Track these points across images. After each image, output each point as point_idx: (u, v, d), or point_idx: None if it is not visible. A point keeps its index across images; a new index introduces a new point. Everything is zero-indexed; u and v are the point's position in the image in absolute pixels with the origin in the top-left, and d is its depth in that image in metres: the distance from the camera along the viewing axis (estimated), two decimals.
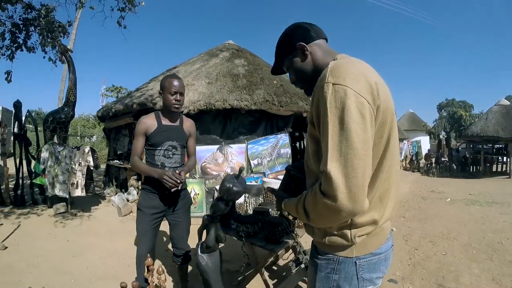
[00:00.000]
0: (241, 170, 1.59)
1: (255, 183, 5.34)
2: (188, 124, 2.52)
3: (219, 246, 1.84)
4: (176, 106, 2.31)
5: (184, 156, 2.51)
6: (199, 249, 1.74)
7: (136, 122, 2.36)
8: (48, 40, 5.94)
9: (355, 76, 0.96)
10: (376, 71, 1.12)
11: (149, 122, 2.32)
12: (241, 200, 3.61)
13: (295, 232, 2.44)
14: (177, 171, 2.23)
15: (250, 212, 3.32)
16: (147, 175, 2.29)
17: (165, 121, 2.37)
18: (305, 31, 1.20)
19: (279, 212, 1.33)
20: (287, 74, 1.33)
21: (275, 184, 2.93)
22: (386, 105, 1.02)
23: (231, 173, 5.48)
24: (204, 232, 1.79)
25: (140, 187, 6.47)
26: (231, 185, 1.50)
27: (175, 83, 2.28)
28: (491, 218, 5.41)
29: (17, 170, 5.92)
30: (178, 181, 2.15)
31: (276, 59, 1.31)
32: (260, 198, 2.72)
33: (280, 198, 1.28)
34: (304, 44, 1.17)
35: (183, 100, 2.37)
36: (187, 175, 5.45)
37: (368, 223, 1.08)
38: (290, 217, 1.26)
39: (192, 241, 2.36)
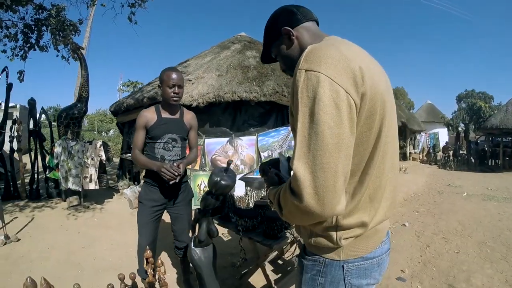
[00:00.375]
0: (229, 163, 1.56)
1: (258, 176, 5.31)
2: (189, 117, 2.51)
3: (222, 241, 1.82)
4: (175, 99, 2.30)
5: (185, 149, 2.50)
6: (192, 243, 1.73)
7: None
8: (60, 39, 6.05)
9: (333, 60, 0.85)
10: (368, 53, 1.01)
11: (149, 115, 2.32)
12: (242, 193, 3.59)
13: (294, 228, 2.40)
14: (175, 164, 2.22)
15: (252, 205, 3.29)
16: (146, 168, 2.31)
17: (165, 114, 2.37)
18: (290, 14, 1.11)
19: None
20: None
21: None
22: (375, 91, 0.90)
23: (245, 170, 5.46)
24: (197, 226, 1.78)
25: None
26: (218, 179, 1.48)
27: (173, 76, 2.27)
28: (508, 215, 5.23)
29: (33, 165, 6.08)
30: (176, 173, 2.13)
31: (264, 46, 1.22)
32: (262, 191, 2.68)
33: (271, 182, 1.17)
34: (290, 29, 1.08)
35: (182, 92, 2.37)
36: (197, 167, 5.50)
37: (355, 225, 0.99)
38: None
39: None
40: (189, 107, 5.54)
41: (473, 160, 13.35)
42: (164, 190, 2.34)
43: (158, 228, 2.48)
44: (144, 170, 2.41)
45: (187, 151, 2.58)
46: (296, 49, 1.09)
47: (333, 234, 0.99)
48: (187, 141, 2.53)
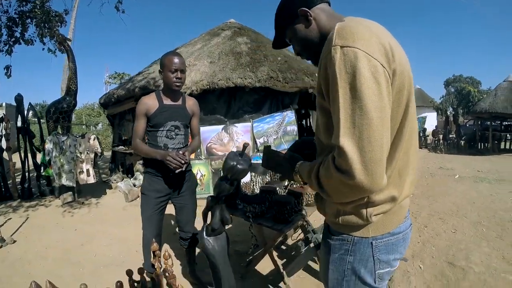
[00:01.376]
0: (245, 146, 1.50)
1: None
2: (191, 103, 2.43)
3: (226, 228, 1.79)
4: (177, 84, 2.21)
5: (187, 137, 2.44)
6: (204, 232, 1.69)
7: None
8: (46, 30, 5.87)
9: (366, 36, 0.86)
10: (390, 32, 1.01)
11: (150, 102, 2.23)
12: (247, 179, 3.52)
13: (304, 211, 2.39)
14: (180, 152, 2.16)
15: (257, 191, 3.26)
16: (150, 157, 2.21)
17: (167, 101, 2.28)
18: None
19: (282, 176, 1.23)
20: (290, 48, 1.23)
21: None
22: (403, 68, 0.92)
23: (235, 150, 5.43)
24: (209, 214, 1.74)
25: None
26: (235, 163, 1.43)
27: (175, 60, 2.17)
28: (501, 196, 5.32)
29: (23, 163, 5.95)
30: (182, 161, 2.07)
31: (277, 31, 1.20)
32: (267, 176, 2.66)
33: (294, 159, 1.16)
34: (307, 9, 1.06)
35: (185, 77, 2.27)
36: (192, 156, 5.46)
37: (386, 201, 0.99)
38: (300, 182, 1.13)
39: (199, 224, 2.33)
40: None
41: (462, 143, 13.56)
42: (168, 179, 2.28)
43: (163, 220, 2.44)
44: (141, 161, 2.33)
45: (190, 139, 2.52)
46: (315, 30, 1.08)
47: (363, 211, 0.99)
48: (189, 129, 2.47)
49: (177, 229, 2.60)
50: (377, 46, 0.86)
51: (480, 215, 4.35)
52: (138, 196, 5.57)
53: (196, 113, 2.46)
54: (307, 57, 1.18)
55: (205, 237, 1.68)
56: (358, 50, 0.83)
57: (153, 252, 1.72)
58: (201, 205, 2.48)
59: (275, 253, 2.63)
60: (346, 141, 0.81)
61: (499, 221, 4.08)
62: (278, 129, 5.93)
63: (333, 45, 0.86)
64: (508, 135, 13.60)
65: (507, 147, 13.42)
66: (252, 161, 1.60)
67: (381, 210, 1.00)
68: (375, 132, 0.80)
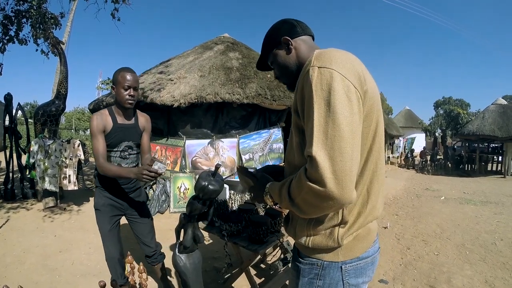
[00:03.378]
0: (217, 167, 1.50)
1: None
2: (143, 120, 2.33)
3: (204, 244, 1.76)
4: (130, 102, 2.12)
5: (139, 155, 2.37)
6: (176, 249, 1.67)
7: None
8: (40, 32, 5.85)
9: (341, 60, 0.94)
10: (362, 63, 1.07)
11: (105, 120, 2.12)
12: (226, 196, 3.49)
13: (280, 232, 2.37)
14: (150, 159, 1.97)
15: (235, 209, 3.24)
16: (121, 177, 2.10)
17: (120, 119, 2.19)
18: (291, 26, 1.20)
19: (253, 196, 1.24)
20: None
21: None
22: (373, 93, 1.00)
23: (207, 169, 5.42)
24: (182, 231, 1.71)
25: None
26: (206, 183, 1.42)
27: (128, 77, 2.09)
28: (485, 218, 5.39)
29: (7, 163, 5.85)
30: (159, 172, 1.92)
31: (262, 54, 1.29)
32: (246, 195, 2.64)
33: (264, 179, 1.19)
34: (289, 38, 1.16)
35: (138, 95, 2.19)
36: (177, 168, 5.40)
37: (356, 220, 1.04)
38: (271, 203, 1.15)
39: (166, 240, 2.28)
40: (170, 108, 5.45)
41: (450, 164, 13.74)
42: (119, 195, 2.24)
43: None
44: (97, 177, 2.25)
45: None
46: (293, 58, 1.18)
47: (336, 231, 1.03)
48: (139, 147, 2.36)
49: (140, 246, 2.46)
50: (351, 70, 0.94)
51: (464, 237, 4.38)
52: None
53: (147, 129, 2.35)
54: (284, 81, 1.26)
55: (178, 254, 1.65)
56: (334, 71, 0.91)
57: (129, 265, 1.69)
58: None
59: (253, 271, 2.60)
60: (318, 151, 0.85)
61: (482, 243, 4.13)
62: (264, 146, 5.94)
63: (312, 65, 0.94)
64: (495, 157, 13.85)
65: (494, 169, 13.65)
66: (234, 179, 1.59)
67: (350, 232, 1.04)
68: (346, 144, 0.85)
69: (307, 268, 1.09)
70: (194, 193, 4.57)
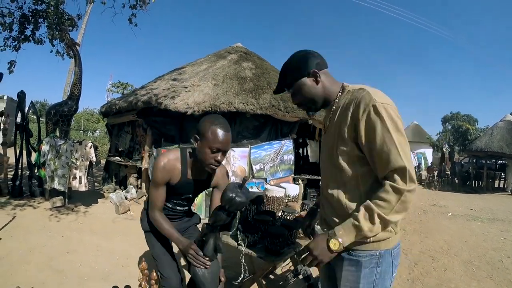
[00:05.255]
0: (245, 180, 1.50)
1: (257, 190, 5.27)
2: (220, 175, 1.96)
3: (217, 256, 1.75)
4: (213, 167, 1.75)
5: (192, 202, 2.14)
6: None
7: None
8: (57, 32, 5.93)
9: (385, 96, 1.25)
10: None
11: (172, 172, 1.81)
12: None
13: (295, 243, 2.37)
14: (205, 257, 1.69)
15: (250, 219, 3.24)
16: (168, 237, 1.88)
17: (191, 174, 1.86)
18: (317, 59, 1.35)
19: (314, 253, 1.27)
20: None
21: (278, 192, 2.86)
22: None
23: (235, 181, 5.41)
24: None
25: (139, 186, 6.41)
26: (234, 195, 1.42)
27: (221, 137, 1.66)
28: (492, 235, 5.33)
29: (17, 160, 5.89)
30: (206, 264, 1.68)
31: (283, 82, 1.42)
32: (261, 206, 2.64)
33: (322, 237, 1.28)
34: (317, 71, 1.32)
35: (224, 158, 1.78)
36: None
37: None
38: (337, 246, 1.21)
39: None
40: (183, 115, 5.49)
41: (457, 181, 13.60)
42: (173, 220, 2.02)
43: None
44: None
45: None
46: (320, 89, 1.35)
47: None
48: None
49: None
50: (391, 100, 1.25)
51: (471, 254, 4.34)
52: (129, 210, 5.52)
53: (221, 186, 1.91)
54: (306, 108, 1.44)
55: None
56: (390, 105, 1.21)
57: (142, 271, 1.64)
58: None
59: (263, 281, 2.59)
60: (406, 162, 1.15)
61: (489, 260, 4.09)
62: (275, 157, 5.94)
63: (376, 102, 1.19)
64: (502, 174, 13.70)
65: (501, 186, 13.48)
66: (258, 191, 1.58)
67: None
68: (410, 154, 1.20)
69: (367, 259, 1.26)
70: (203, 201, 4.53)
